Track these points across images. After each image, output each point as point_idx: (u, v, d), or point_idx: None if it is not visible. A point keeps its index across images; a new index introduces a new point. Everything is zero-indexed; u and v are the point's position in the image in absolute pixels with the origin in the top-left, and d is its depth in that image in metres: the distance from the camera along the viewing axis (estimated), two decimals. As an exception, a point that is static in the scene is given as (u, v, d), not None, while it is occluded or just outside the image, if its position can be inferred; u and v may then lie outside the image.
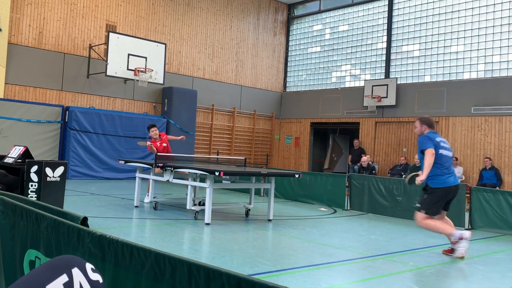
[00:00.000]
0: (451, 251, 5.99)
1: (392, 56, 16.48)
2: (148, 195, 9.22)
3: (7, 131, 12.43)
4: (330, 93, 17.92)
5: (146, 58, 14.32)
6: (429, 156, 5.79)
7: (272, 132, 19.47)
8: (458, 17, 14.82)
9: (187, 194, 9.65)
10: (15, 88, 13.09)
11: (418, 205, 6.12)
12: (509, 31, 13.72)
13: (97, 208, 8.32)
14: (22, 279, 0.84)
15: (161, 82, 14.76)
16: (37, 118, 12.94)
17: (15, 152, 6.25)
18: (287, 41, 20.04)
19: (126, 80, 14.67)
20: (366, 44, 17.28)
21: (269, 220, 8.09)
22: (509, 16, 13.75)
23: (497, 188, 12.53)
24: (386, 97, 15.80)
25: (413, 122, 15.46)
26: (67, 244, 2.22)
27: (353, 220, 9.01)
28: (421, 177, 5.85)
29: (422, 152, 5.96)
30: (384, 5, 16.84)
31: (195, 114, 16.13)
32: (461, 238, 5.74)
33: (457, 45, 14.80)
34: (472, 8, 14.53)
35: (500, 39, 13.87)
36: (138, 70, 14.10)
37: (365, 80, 16.78)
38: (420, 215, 6.04)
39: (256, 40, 18.91)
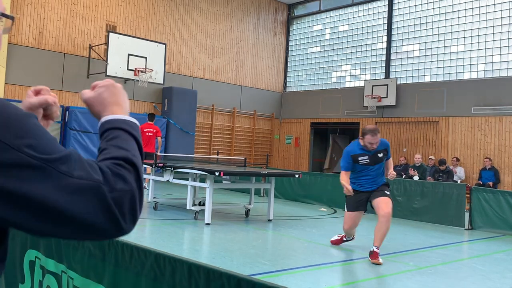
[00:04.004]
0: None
1: (392, 56, 16.47)
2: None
3: (7, 131, 12.42)
4: (330, 93, 17.92)
5: (146, 58, 14.32)
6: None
7: (272, 132, 19.46)
8: (458, 17, 14.82)
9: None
10: (15, 88, 13.09)
11: (387, 192, 5.90)
12: (509, 31, 13.72)
13: (97, 208, 8.30)
14: None
15: (161, 82, 14.75)
16: (37, 118, 12.93)
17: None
18: (287, 41, 20.04)
19: (126, 80, 14.67)
20: (366, 44, 17.28)
21: (269, 220, 8.09)
22: (509, 16, 13.74)
23: (491, 184, 12.56)
24: (386, 97, 15.80)
25: (413, 122, 15.49)
26: (67, 245, 2.22)
27: (353, 220, 8.99)
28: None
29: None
30: (384, 5, 16.84)
31: (195, 114, 16.12)
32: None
33: (457, 45, 14.80)
34: (472, 8, 14.53)
35: (500, 39, 13.87)
36: (138, 70, 14.10)
37: (365, 80, 16.78)
38: (391, 205, 5.85)
39: (256, 40, 18.91)
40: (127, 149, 0.96)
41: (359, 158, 5.83)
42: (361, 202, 5.93)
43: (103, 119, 1.05)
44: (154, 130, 11.71)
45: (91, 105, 1.10)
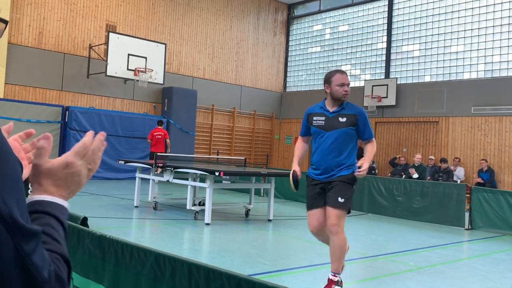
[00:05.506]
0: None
1: (392, 56, 16.47)
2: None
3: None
4: (330, 93, 17.90)
5: (146, 58, 14.32)
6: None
7: (272, 132, 19.47)
8: (458, 17, 14.82)
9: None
10: (15, 88, 13.09)
11: (341, 199, 4.09)
12: (509, 31, 13.72)
13: (97, 208, 8.32)
14: None
15: (161, 82, 14.76)
16: (37, 118, 12.94)
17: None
18: (287, 41, 20.04)
19: (126, 80, 14.67)
20: (366, 44, 17.28)
21: (269, 220, 8.09)
22: (509, 16, 13.74)
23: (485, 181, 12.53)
24: (386, 97, 15.80)
25: (413, 122, 15.48)
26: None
27: (353, 220, 9.00)
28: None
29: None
30: (384, 5, 16.84)
31: (195, 114, 16.13)
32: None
33: (457, 45, 14.80)
34: (472, 8, 14.53)
35: (500, 39, 13.87)
36: (138, 70, 14.10)
37: (365, 80, 16.78)
38: (342, 218, 4.20)
39: (256, 40, 18.91)
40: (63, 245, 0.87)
41: (314, 118, 4.24)
42: (316, 196, 4.18)
43: (54, 199, 0.89)
44: (162, 133, 13.07)
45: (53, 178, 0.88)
